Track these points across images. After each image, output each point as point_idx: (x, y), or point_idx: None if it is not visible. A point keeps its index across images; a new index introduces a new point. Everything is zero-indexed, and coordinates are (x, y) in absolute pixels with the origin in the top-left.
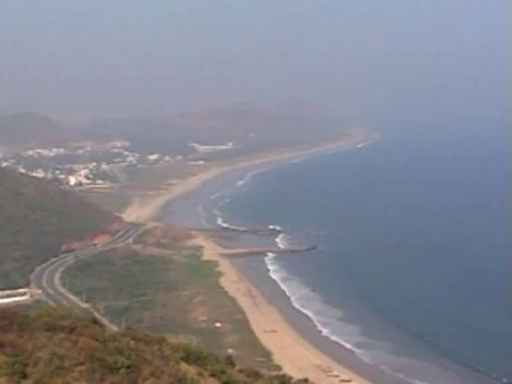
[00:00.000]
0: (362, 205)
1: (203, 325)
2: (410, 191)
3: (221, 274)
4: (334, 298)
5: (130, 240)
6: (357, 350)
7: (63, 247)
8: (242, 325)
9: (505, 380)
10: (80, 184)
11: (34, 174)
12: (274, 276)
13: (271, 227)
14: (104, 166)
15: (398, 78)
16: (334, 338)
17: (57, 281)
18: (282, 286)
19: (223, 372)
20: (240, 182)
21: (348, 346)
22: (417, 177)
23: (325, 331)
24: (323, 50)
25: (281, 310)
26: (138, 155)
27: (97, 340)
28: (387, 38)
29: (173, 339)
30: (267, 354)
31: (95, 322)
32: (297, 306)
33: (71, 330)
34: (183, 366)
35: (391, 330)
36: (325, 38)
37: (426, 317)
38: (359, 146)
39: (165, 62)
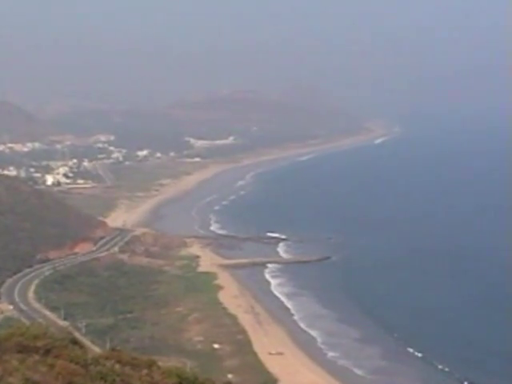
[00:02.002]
0: (379, 208)
1: (199, 346)
2: (434, 193)
3: (219, 287)
4: (349, 316)
5: (116, 248)
6: (375, 377)
7: (38, 256)
8: (244, 346)
9: None
10: (58, 184)
11: (5, 172)
12: (280, 290)
13: (276, 234)
14: (86, 163)
15: (416, 65)
16: (349, 362)
17: (31, 295)
18: (290, 302)
19: None
20: (241, 183)
21: (365, 371)
22: (442, 177)
23: (339, 354)
24: (336, 34)
25: (288, 330)
26: (124, 151)
27: (77, 363)
28: (403, 23)
29: (164, 363)
30: (272, 381)
31: (75, 342)
32: (307, 325)
33: (47, 352)
34: None
35: (415, 354)
36: (337, 22)
37: (455, 340)
38: (377, 141)
39: (157, 46)
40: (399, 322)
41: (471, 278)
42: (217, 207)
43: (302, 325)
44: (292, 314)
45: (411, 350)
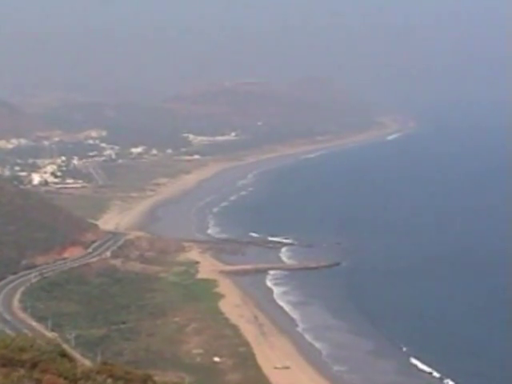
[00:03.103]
0: (392, 211)
1: (198, 359)
2: (452, 195)
3: (220, 295)
4: (359, 327)
5: (108, 253)
6: None
7: (24, 262)
8: (247, 359)
9: None
10: (45, 183)
11: None
12: (285, 299)
13: (281, 238)
14: (76, 161)
15: (431, 56)
16: (358, 376)
17: (16, 304)
18: (296, 312)
19: None
20: (244, 182)
21: None
22: (460, 176)
23: (348, 368)
24: (350, 25)
25: (295, 342)
26: (117, 148)
27: (65, 378)
28: (413, 12)
29: (160, 377)
30: None
31: (64, 355)
32: (314, 337)
33: (33, 366)
34: None
35: (425, 370)
36: (350, 8)
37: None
38: (390, 137)
39: (154, 34)
40: (410, 334)
41: (488, 286)
42: (217, 209)
43: (310, 336)
44: (299, 325)
45: (423, 366)
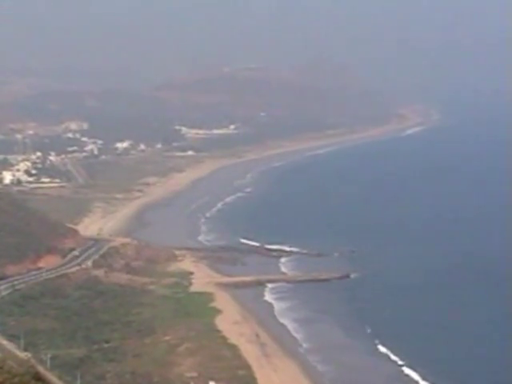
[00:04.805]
0: (411, 214)
1: None
2: (479, 198)
3: (217, 311)
4: (374, 349)
5: (89, 263)
6: None
7: None
8: None
9: None
10: (18, 183)
11: None
12: (291, 316)
13: (286, 247)
14: (53, 158)
15: (456, 38)
16: None
17: None
18: (303, 330)
19: None
20: (244, 182)
21: None
22: (487, 178)
23: None
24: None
25: (301, 364)
26: (100, 142)
27: None
28: None
29: None
30: None
31: (38, 378)
32: (323, 359)
33: None
34: None
35: None
36: None
37: None
38: (410, 131)
39: (143, 14)
40: (429, 356)
41: None
42: (214, 213)
43: (318, 358)
44: (305, 345)
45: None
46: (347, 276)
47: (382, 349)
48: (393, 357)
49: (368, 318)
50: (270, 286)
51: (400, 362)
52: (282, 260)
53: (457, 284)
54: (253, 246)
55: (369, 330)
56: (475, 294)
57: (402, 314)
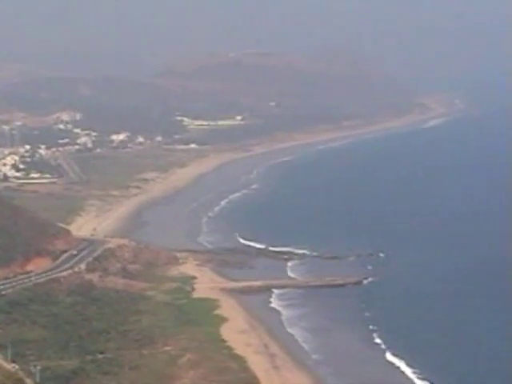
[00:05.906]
0: (434, 215)
1: None
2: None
3: (222, 319)
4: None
5: (82, 266)
6: None
7: None
8: None
9: None
10: (5, 178)
11: None
12: (303, 325)
13: (297, 249)
14: (43, 151)
15: (480, 21)
16: None
17: None
18: (316, 340)
19: None
20: (251, 177)
21: None
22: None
23: None
24: None
25: (314, 377)
26: (95, 134)
27: None
28: None
29: None
30: None
31: None
32: (336, 371)
33: None
34: None
35: None
36: None
37: None
38: (433, 123)
39: None
40: (446, 370)
41: None
42: (218, 211)
43: (329, 370)
44: (316, 356)
45: None
46: (363, 281)
47: (396, 361)
48: (407, 369)
49: (383, 327)
50: (278, 291)
51: (414, 375)
52: (292, 263)
53: (477, 292)
54: (260, 248)
55: (383, 341)
56: (497, 303)
57: (419, 324)
